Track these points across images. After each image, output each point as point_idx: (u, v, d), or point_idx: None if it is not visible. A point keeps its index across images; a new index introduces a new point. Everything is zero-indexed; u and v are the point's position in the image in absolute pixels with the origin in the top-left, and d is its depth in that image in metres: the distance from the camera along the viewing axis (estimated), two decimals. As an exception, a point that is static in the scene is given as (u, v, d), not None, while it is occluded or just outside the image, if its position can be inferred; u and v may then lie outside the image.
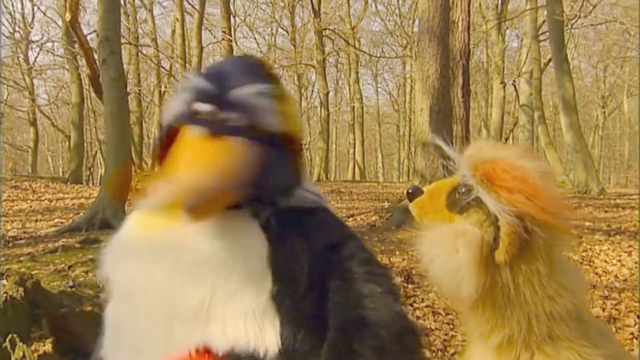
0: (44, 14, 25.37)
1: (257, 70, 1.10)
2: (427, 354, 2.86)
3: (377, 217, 6.86)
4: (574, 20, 12.83)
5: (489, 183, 0.77)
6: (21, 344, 1.97)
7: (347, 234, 1.11)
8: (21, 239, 5.23)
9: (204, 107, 1.03)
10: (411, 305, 3.59)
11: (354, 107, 21.89)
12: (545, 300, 0.78)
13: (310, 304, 0.99)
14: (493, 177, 0.76)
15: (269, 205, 1.06)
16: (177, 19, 16.71)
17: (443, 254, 0.77)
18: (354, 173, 22.41)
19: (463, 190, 0.80)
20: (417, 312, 3.49)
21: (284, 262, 1.01)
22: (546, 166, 0.84)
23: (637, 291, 3.80)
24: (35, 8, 20.18)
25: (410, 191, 0.85)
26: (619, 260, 4.54)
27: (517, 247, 0.74)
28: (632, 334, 3.20)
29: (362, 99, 22.73)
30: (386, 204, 8.30)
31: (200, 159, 1.00)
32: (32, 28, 20.36)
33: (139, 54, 19.17)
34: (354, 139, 22.18)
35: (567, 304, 0.79)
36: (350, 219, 6.94)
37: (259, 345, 0.97)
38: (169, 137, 1.09)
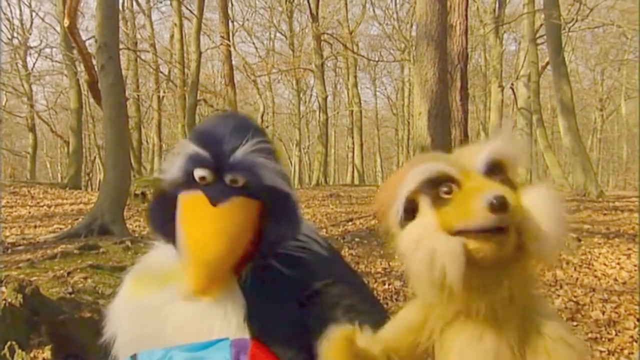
0: (43, 20, 25.48)
1: (248, 127, 1.10)
2: None
3: (376, 221, 6.86)
4: (571, 24, 12.86)
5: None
6: (20, 350, 1.97)
7: (328, 281, 1.10)
8: (20, 245, 5.22)
9: (203, 173, 1.04)
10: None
11: (352, 111, 21.92)
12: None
13: (292, 354, 1.02)
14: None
15: (248, 261, 1.08)
16: (176, 24, 16.76)
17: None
18: (352, 177, 22.42)
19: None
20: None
21: (261, 320, 1.04)
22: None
23: (636, 294, 3.80)
24: (34, 14, 20.25)
25: (501, 203, 0.76)
26: (618, 263, 4.54)
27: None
28: (631, 337, 3.20)
29: (360, 103, 22.77)
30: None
31: (210, 227, 1.02)
32: (30, 34, 20.43)
33: (138, 59, 19.22)
34: (353, 143, 22.20)
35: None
36: (350, 223, 6.94)
37: None
38: (167, 205, 1.09)
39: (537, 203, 0.78)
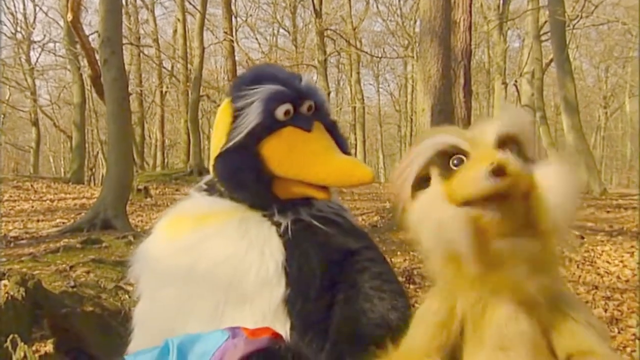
0: (46, 14, 25.52)
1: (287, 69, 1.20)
2: None
3: (379, 218, 6.86)
4: (575, 21, 12.81)
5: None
6: (22, 344, 1.97)
7: (363, 244, 1.14)
8: (22, 239, 5.24)
9: (287, 107, 1.08)
10: (413, 306, 3.58)
11: (355, 107, 21.89)
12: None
13: (320, 309, 1.02)
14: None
15: (289, 214, 1.11)
16: (179, 20, 16.74)
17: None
18: (355, 173, 22.39)
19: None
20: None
21: (298, 268, 1.04)
22: None
23: (639, 292, 3.79)
24: (37, 8, 20.14)
25: (499, 167, 0.75)
26: (621, 261, 4.53)
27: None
28: (634, 334, 3.19)
29: (363, 99, 22.73)
30: (387, 204, 8.29)
31: (319, 144, 1.08)
32: (33, 28, 20.40)
33: (141, 54, 19.21)
34: (356, 139, 22.17)
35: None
36: (352, 219, 6.93)
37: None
38: (243, 156, 1.09)
39: (548, 175, 0.78)
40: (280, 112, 1.07)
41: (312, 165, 1.05)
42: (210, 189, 1.20)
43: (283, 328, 1.00)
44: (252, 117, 1.06)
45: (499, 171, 0.72)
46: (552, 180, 0.78)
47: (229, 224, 1.08)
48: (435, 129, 0.95)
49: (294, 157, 1.06)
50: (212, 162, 1.14)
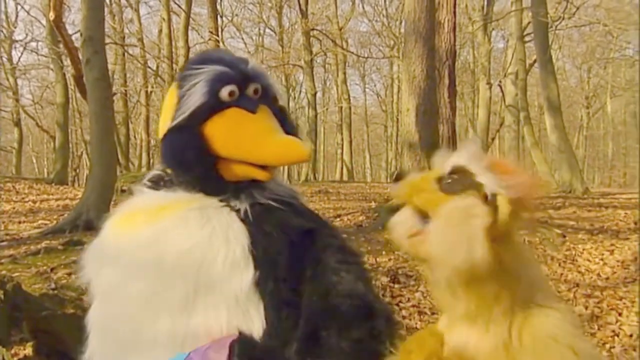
0: (28, 13, 25.07)
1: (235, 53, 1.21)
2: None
3: (364, 217, 6.87)
4: (558, 22, 12.97)
5: (490, 168, 0.83)
6: (1, 347, 1.95)
7: (319, 222, 1.18)
8: (3, 241, 5.15)
9: (232, 88, 1.09)
10: (397, 305, 3.61)
11: (341, 107, 21.92)
12: (526, 267, 0.87)
13: (290, 287, 1.04)
14: (494, 164, 0.84)
15: (244, 199, 1.11)
16: (164, 19, 16.61)
17: (459, 224, 0.80)
18: (342, 173, 22.44)
19: (453, 177, 0.85)
20: (403, 312, 3.51)
21: (263, 249, 1.06)
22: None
23: (618, 289, 3.86)
24: (19, 7, 19.83)
25: (398, 173, 0.87)
26: (602, 259, 4.60)
27: (512, 223, 0.81)
28: (613, 331, 3.25)
29: (349, 100, 22.78)
30: (373, 204, 8.32)
31: (261, 124, 1.09)
32: (15, 27, 20.07)
33: (125, 54, 19.02)
34: (342, 140, 22.21)
35: (539, 270, 0.91)
36: (337, 219, 6.95)
37: (244, 329, 1.01)
38: (187, 137, 1.10)
39: (442, 211, 0.82)
40: (224, 92, 1.08)
41: (252, 145, 1.07)
42: (156, 184, 1.19)
43: (257, 309, 1.02)
44: (196, 97, 1.07)
45: (394, 177, 0.83)
46: (440, 218, 0.82)
47: (189, 214, 1.08)
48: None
49: (236, 137, 1.07)
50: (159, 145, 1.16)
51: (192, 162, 1.09)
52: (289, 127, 1.17)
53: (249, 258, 1.04)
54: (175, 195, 1.13)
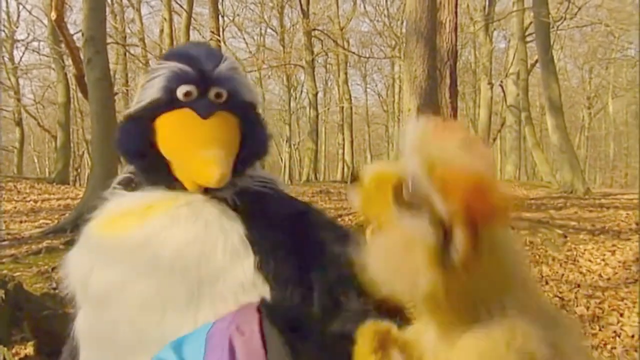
0: (30, 12, 25.16)
1: (216, 50, 1.19)
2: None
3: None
4: (559, 22, 12.96)
5: (442, 186, 0.71)
6: (1, 347, 1.95)
7: (305, 204, 1.20)
8: (4, 240, 5.16)
9: (188, 88, 1.06)
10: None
11: (343, 107, 21.90)
12: (493, 285, 0.77)
13: (291, 265, 1.04)
14: (446, 180, 0.71)
15: (229, 188, 1.09)
16: (165, 19, 16.61)
17: (398, 256, 0.72)
18: (343, 173, 22.43)
19: (412, 188, 0.73)
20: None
21: (260, 233, 1.05)
22: (488, 155, 0.81)
23: (620, 290, 3.85)
24: (21, 7, 19.87)
25: (354, 173, 0.80)
26: (603, 259, 4.59)
27: (471, 249, 0.71)
28: (614, 332, 3.25)
29: (351, 100, 22.75)
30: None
31: (206, 135, 1.05)
32: (17, 27, 20.10)
33: (127, 53, 19.04)
34: (343, 140, 22.20)
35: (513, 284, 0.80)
36: (339, 219, 6.95)
37: None
38: (140, 129, 1.08)
39: (385, 234, 0.75)
40: (180, 92, 1.05)
41: (185, 153, 1.05)
42: (126, 187, 1.16)
43: (264, 293, 1.01)
44: (152, 91, 1.06)
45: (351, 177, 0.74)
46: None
47: (178, 211, 1.06)
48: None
49: (177, 140, 1.06)
50: None
51: (134, 152, 1.09)
52: (254, 139, 1.13)
53: (247, 244, 1.04)
54: (158, 195, 1.10)
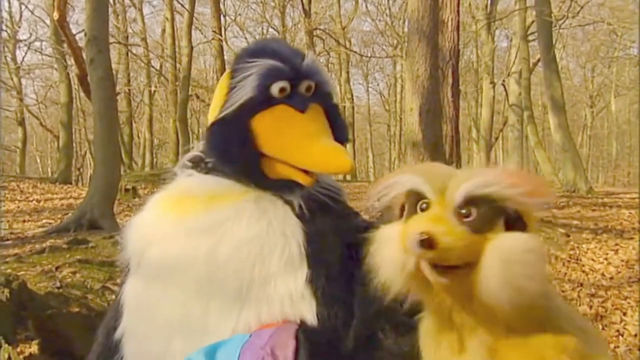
0: (32, 12, 25.03)
1: (293, 46, 1.19)
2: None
3: (367, 217, 6.87)
4: (562, 21, 12.94)
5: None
6: (7, 345, 1.96)
7: (368, 222, 1.17)
8: (8, 240, 5.17)
9: (283, 85, 1.06)
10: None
11: (345, 106, 21.88)
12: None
13: (342, 285, 1.03)
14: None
15: (297, 190, 1.09)
16: (167, 19, 16.63)
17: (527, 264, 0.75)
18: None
19: (472, 209, 0.76)
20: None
21: (318, 247, 1.04)
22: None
23: (623, 289, 3.85)
24: (23, 7, 19.92)
25: (422, 239, 0.73)
26: (606, 258, 4.58)
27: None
28: (617, 331, 3.24)
29: (353, 99, 22.77)
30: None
31: (308, 128, 1.06)
32: (19, 27, 20.15)
33: (129, 53, 19.07)
34: (345, 139, 22.19)
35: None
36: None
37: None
38: (234, 129, 1.07)
39: (501, 249, 0.74)
40: (275, 88, 1.05)
41: (295, 148, 1.04)
42: (196, 165, 1.16)
43: (309, 307, 1.00)
44: (246, 91, 1.05)
45: (426, 243, 0.72)
46: (498, 255, 0.74)
47: (245, 205, 1.05)
48: (424, 165, 0.95)
49: (281, 137, 1.05)
50: (206, 133, 1.13)
51: (235, 155, 1.07)
52: (339, 127, 1.13)
53: (304, 255, 1.03)
54: (227, 184, 1.10)
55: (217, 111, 1.09)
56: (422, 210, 0.79)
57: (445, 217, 0.75)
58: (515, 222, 0.77)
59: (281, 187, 1.09)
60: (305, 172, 1.06)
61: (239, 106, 1.06)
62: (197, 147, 1.20)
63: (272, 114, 1.06)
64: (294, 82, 1.07)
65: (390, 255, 0.79)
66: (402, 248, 0.77)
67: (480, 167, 0.83)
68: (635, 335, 3.17)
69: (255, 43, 1.29)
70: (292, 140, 1.05)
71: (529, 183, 0.77)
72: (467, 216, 0.76)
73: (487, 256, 0.74)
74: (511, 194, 0.75)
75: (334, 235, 1.07)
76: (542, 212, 0.79)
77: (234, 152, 1.07)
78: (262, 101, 1.05)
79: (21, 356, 1.96)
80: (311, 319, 0.99)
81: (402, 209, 0.84)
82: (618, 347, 3.07)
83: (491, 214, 0.76)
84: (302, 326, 0.98)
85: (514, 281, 0.72)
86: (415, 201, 0.81)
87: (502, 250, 0.74)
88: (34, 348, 2.02)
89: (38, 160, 29.84)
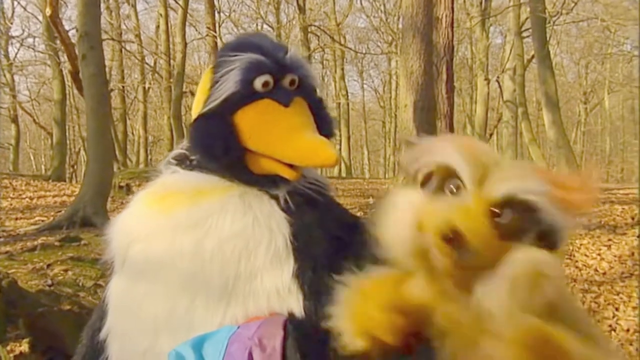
0: (24, 8, 24.75)
1: (276, 39, 1.18)
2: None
3: (362, 213, 6.88)
4: (556, 17, 12.96)
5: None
6: (-4, 344, 1.94)
7: (354, 218, 1.17)
8: None
9: (266, 78, 1.05)
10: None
11: (339, 103, 21.90)
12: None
13: (328, 277, 0.99)
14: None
15: (282, 185, 1.08)
16: (161, 15, 16.55)
17: (528, 288, 0.67)
18: (340, 169, 22.44)
19: (509, 212, 0.66)
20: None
21: (304, 241, 1.03)
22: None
23: (615, 284, 3.87)
24: (15, 3, 19.78)
25: (448, 235, 0.65)
26: (599, 254, 4.61)
27: None
28: (610, 326, 3.26)
29: (347, 96, 22.76)
30: (371, 200, 8.33)
31: (292, 121, 1.05)
32: (12, 23, 19.96)
33: (123, 50, 18.96)
34: (340, 136, 22.17)
35: None
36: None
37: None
38: (217, 124, 1.06)
39: (520, 271, 0.66)
40: (258, 83, 1.04)
41: (280, 142, 1.03)
42: (181, 163, 1.15)
43: (296, 300, 0.99)
44: (228, 85, 1.04)
45: (452, 240, 0.64)
46: (513, 275, 0.66)
47: (230, 200, 1.05)
48: (467, 140, 0.79)
49: (265, 131, 1.05)
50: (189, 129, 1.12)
51: (219, 151, 1.06)
52: (323, 121, 1.13)
53: (290, 249, 1.02)
54: (212, 180, 1.09)
55: (200, 107, 1.08)
56: (451, 192, 0.70)
57: (478, 213, 0.66)
58: (546, 236, 0.68)
59: (266, 183, 1.08)
60: (291, 166, 1.05)
61: (221, 101, 1.05)
62: (182, 145, 1.19)
63: (256, 108, 1.05)
64: (277, 76, 1.06)
65: (401, 231, 0.71)
66: (418, 225, 0.68)
67: (530, 162, 0.72)
68: (628, 330, 3.19)
69: (237, 37, 1.28)
70: (276, 134, 1.04)
71: (580, 197, 0.68)
72: (499, 216, 0.66)
73: (502, 272, 0.66)
74: (559, 211, 0.66)
75: (321, 229, 1.06)
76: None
77: (218, 147, 1.05)
78: (245, 96, 1.04)
79: (11, 355, 1.94)
80: (298, 312, 0.99)
81: (428, 178, 0.74)
82: (610, 342, 3.09)
83: (527, 224, 0.67)
84: (292, 318, 0.98)
85: (520, 304, 0.65)
86: (445, 176, 0.71)
87: (518, 274, 0.65)
88: (24, 346, 2.00)
89: (31, 158, 29.67)
